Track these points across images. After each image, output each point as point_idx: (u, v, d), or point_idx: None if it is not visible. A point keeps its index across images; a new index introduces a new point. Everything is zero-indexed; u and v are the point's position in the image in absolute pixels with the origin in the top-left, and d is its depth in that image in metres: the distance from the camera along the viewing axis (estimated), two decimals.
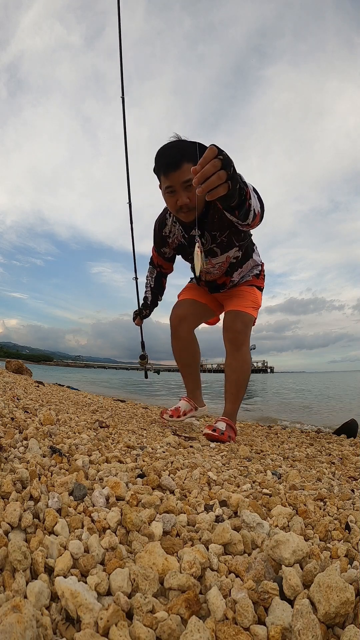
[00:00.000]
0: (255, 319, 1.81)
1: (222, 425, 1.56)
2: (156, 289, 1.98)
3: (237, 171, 0.99)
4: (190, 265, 1.82)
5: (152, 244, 1.83)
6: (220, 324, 1.84)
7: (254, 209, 1.17)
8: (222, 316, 1.87)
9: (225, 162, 0.92)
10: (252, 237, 1.70)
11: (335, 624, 0.40)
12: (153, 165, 1.44)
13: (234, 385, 1.70)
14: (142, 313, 2.02)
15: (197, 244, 1.06)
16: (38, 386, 3.25)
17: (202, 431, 1.86)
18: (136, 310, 2.05)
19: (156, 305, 2.04)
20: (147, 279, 1.99)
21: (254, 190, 1.18)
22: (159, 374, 2.34)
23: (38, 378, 4.88)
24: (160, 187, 1.47)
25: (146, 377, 2.34)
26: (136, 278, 2.20)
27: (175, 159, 1.35)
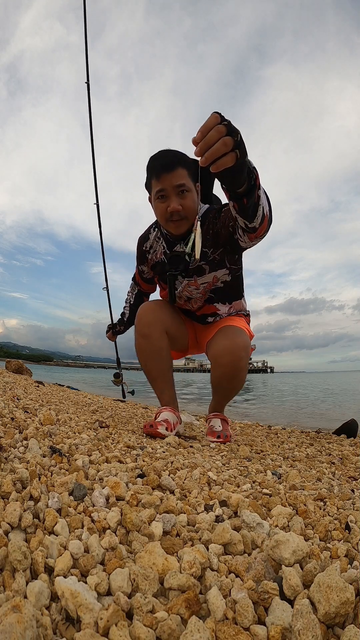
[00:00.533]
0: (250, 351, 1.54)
1: (218, 423, 1.55)
2: (135, 307, 1.77)
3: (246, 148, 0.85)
4: (167, 290, 1.51)
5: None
6: None
7: (262, 207, 1.04)
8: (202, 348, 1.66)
9: (230, 128, 0.80)
10: (242, 277, 1.51)
11: (335, 624, 0.40)
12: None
13: (224, 397, 1.61)
14: (116, 328, 1.90)
15: (197, 224, 1.00)
16: (38, 386, 3.25)
17: (202, 431, 1.86)
18: (110, 324, 1.94)
19: (132, 323, 1.74)
20: (127, 295, 1.84)
21: (263, 189, 1.04)
22: (133, 394, 2.24)
23: (38, 378, 4.89)
24: (150, 199, 1.37)
25: (124, 396, 2.25)
26: (107, 288, 2.13)
27: (169, 161, 1.27)
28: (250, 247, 1.28)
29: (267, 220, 1.11)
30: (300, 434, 2.22)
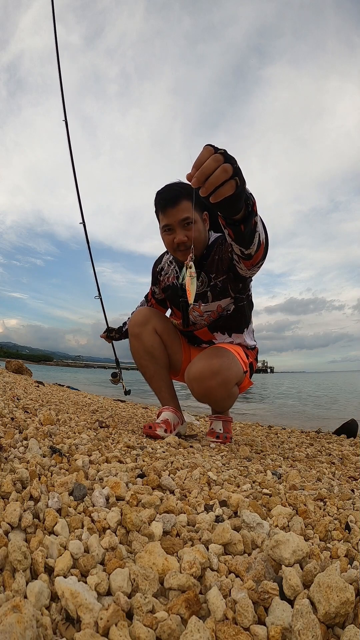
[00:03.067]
0: (247, 379, 1.51)
1: (219, 425, 1.55)
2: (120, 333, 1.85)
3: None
4: (181, 314, 1.50)
5: (149, 252, 1.74)
6: None
7: (259, 234, 1.02)
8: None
9: (227, 156, 0.78)
10: (249, 310, 1.50)
11: (335, 624, 0.40)
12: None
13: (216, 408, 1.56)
14: (112, 333, 1.91)
15: (189, 269, 0.99)
16: (38, 386, 3.25)
17: (202, 431, 1.86)
18: (108, 328, 1.95)
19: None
20: (136, 308, 1.82)
21: (260, 217, 1.02)
22: (129, 394, 2.26)
23: (38, 378, 4.89)
24: (160, 228, 1.39)
25: (127, 393, 2.25)
26: (99, 297, 2.13)
27: (173, 195, 1.30)
28: (250, 276, 1.27)
29: (264, 248, 1.10)
30: (300, 434, 2.22)
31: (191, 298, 1.01)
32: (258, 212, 0.97)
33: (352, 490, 0.91)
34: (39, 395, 2.29)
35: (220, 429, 1.54)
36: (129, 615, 0.40)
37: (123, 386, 2.21)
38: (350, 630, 0.38)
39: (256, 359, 1.64)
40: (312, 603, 0.41)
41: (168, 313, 1.72)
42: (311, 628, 0.37)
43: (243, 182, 0.83)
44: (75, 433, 1.12)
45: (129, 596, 0.42)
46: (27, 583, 0.40)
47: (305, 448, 1.66)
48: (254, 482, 0.88)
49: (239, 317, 1.47)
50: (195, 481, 0.82)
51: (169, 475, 0.82)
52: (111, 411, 2.19)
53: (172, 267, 1.52)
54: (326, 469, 1.20)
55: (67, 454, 0.84)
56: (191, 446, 1.28)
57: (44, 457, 0.78)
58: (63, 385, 4.84)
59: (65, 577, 0.42)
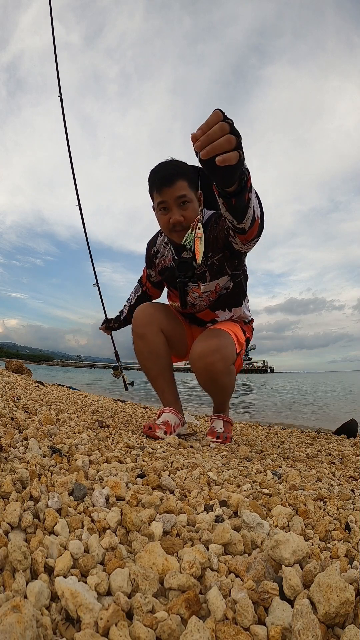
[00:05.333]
0: (239, 357, 1.53)
1: (220, 425, 1.56)
2: (134, 308, 1.74)
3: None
4: (179, 295, 1.50)
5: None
6: None
7: (253, 210, 1.02)
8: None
9: (233, 128, 0.78)
10: (245, 282, 1.52)
11: (335, 624, 0.40)
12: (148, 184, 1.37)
13: (217, 398, 1.59)
14: (110, 323, 1.89)
15: (197, 230, 1.02)
16: (38, 386, 3.25)
17: (202, 431, 1.86)
18: (105, 319, 1.93)
19: (128, 323, 1.80)
20: (130, 295, 1.83)
21: (256, 193, 1.02)
22: (132, 385, 2.25)
23: (38, 378, 4.89)
24: (153, 208, 1.39)
25: (126, 389, 2.24)
26: (97, 284, 2.13)
27: (169, 174, 1.29)
28: (245, 252, 1.28)
29: (258, 225, 1.09)
30: (300, 434, 2.22)
31: (199, 257, 1.03)
32: (253, 187, 0.98)
33: (352, 490, 0.91)
34: (39, 395, 2.29)
35: (221, 429, 1.54)
36: (129, 615, 0.40)
37: (124, 380, 2.21)
38: (350, 630, 0.38)
39: (252, 332, 1.67)
40: (312, 603, 0.41)
41: (164, 294, 1.72)
42: (311, 628, 0.37)
43: (243, 157, 0.84)
44: (75, 433, 1.12)
45: (129, 596, 0.42)
46: (27, 583, 0.40)
47: (305, 448, 1.66)
48: (254, 482, 0.88)
49: (237, 292, 1.50)
50: (195, 481, 0.82)
51: (169, 475, 0.82)
52: (111, 411, 2.19)
53: (168, 248, 1.50)
54: (326, 469, 1.20)
55: (67, 454, 0.84)
56: (191, 446, 1.28)
57: (44, 457, 0.78)
58: (63, 385, 4.84)
59: (65, 577, 0.42)
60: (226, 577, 0.47)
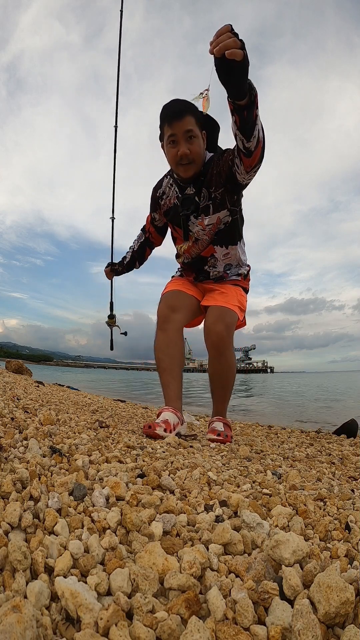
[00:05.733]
0: (243, 321, 1.75)
1: (220, 426, 1.58)
2: (137, 254, 1.91)
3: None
4: (182, 229, 1.65)
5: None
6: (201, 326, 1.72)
7: (259, 130, 1.19)
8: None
9: (237, 36, 0.98)
10: (241, 224, 1.65)
11: (335, 624, 0.40)
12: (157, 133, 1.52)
13: (220, 389, 1.67)
14: (115, 266, 1.96)
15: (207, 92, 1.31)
16: (38, 386, 3.25)
17: (202, 431, 1.86)
18: (110, 262, 2.00)
19: (131, 269, 1.98)
20: (133, 242, 1.93)
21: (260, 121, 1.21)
22: (126, 334, 2.30)
23: (38, 378, 4.89)
24: (162, 143, 1.51)
25: (112, 347, 2.26)
26: (113, 218, 2.18)
27: (179, 109, 1.42)
28: (246, 183, 1.43)
29: (261, 148, 1.25)
30: (300, 434, 2.23)
31: (206, 109, 1.24)
32: (259, 109, 1.16)
33: (352, 490, 0.91)
34: (39, 395, 2.29)
35: (222, 428, 1.56)
36: (129, 615, 0.40)
37: (119, 329, 2.21)
38: (350, 631, 0.38)
39: (250, 279, 1.81)
40: (312, 603, 0.41)
41: (170, 248, 1.85)
42: (311, 628, 0.37)
43: (248, 62, 1.01)
44: (75, 433, 1.12)
45: (129, 596, 0.42)
46: (27, 583, 0.40)
47: (305, 448, 1.66)
48: (254, 482, 0.88)
49: (233, 229, 1.62)
50: (195, 481, 0.82)
51: (169, 475, 0.82)
52: (111, 411, 2.19)
53: (173, 188, 1.62)
54: (326, 469, 1.20)
55: (67, 454, 0.84)
56: (191, 446, 1.28)
57: (44, 457, 0.78)
58: (63, 385, 4.84)
59: (65, 577, 0.42)
60: (226, 577, 0.47)
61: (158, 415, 1.49)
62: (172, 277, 1.90)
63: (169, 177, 1.65)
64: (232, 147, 1.37)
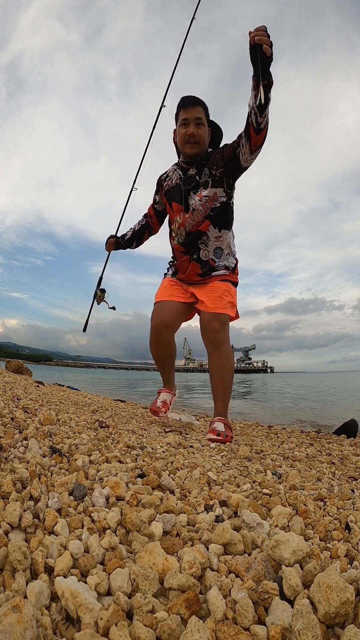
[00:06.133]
0: (236, 315, 1.88)
1: (220, 426, 1.59)
2: (137, 235, 2.09)
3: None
4: (183, 202, 1.81)
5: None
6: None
7: (268, 111, 1.43)
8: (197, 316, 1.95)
9: (270, 39, 1.30)
10: (232, 211, 1.81)
11: (335, 624, 0.40)
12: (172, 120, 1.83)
13: (221, 383, 1.73)
14: (118, 239, 2.09)
15: None
16: (38, 386, 3.25)
17: (202, 431, 1.86)
18: (115, 235, 2.10)
19: (130, 246, 2.13)
20: (135, 224, 2.10)
21: None
22: (114, 309, 2.31)
23: (38, 378, 4.88)
24: (175, 132, 1.80)
25: (114, 308, 2.28)
26: (134, 188, 2.25)
27: (194, 100, 1.75)
28: (246, 166, 1.62)
29: (266, 131, 1.48)
30: (300, 434, 2.22)
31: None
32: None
33: (352, 490, 0.91)
34: (39, 395, 2.29)
35: (222, 428, 1.57)
36: (129, 615, 0.40)
37: (107, 304, 2.21)
38: (350, 631, 0.38)
39: (238, 272, 1.94)
40: (312, 603, 0.41)
41: (164, 226, 2.02)
42: (311, 628, 0.37)
43: (273, 56, 1.33)
44: (75, 433, 1.12)
45: (129, 596, 0.42)
46: (27, 583, 0.40)
47: (305, 448, 1.66)
48: (254, 482, 0.88)
49: (227, 212, 1.78)
50: (195, 481, 0.82)
51: (169, 475, 0.82)
52: (111, 411, 2.19)
53: (176, 172, 1.84)
54: (326, 469, 1.20)
55: (67, 454, 0.84)
56: (191, 446, 1.28)
57: (44, 457, 0.78)
58: (63, 385, 4.84)
59: (65, 577, 0.42)
60: (226, 577, 0.47)
61: (158, 395, 2.00)
62: (165, 275, 2.02)
63: (174, 165, 1.89)
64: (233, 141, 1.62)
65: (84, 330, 2.37)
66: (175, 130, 1.81)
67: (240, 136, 1.55)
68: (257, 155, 1.57)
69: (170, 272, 1.97)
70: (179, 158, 1.88)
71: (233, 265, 1.87)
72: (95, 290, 2.17)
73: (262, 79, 1.34)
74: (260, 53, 1.31)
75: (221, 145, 1.78)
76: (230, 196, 1.75)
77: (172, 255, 1.98)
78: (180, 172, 1.82)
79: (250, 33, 1.30)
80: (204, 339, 1.75)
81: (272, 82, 1.37)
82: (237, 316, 1.89)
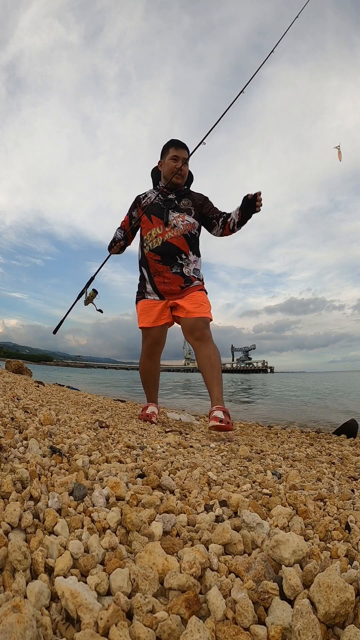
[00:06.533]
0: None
1: (220, 414, 1.68)
2: (124, 243, 2.25)
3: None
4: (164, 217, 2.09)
5: None
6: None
7: (236, 232, 2.07)
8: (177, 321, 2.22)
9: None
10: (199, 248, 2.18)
11: (335, 624, 0.40)
12: (159, 154, 2.18)
13: (214, 369, 1.91)
14: (122, 242, 2.22)
15: None
16: (38, 386, 3.24)
17: (202, 431, 1.86)
18: (119, 239, 2.21)
19: (126, 239, 2.28)
20: (113, 238, 2.24)
21: None
22: (102, 312, 2.35)
23: (38, 378, 4.88)
24: (161, 162, 2.15)
25: (101, 311, 2.28)
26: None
27: (183, 144, 2.12)
28: (214, 236, 2.17)
29: (228, 234, 2.10)
30: (300, 434, 2.22)
31: (340, 158, 2.19)
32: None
33: (352, 490, 0.91)
34: (39, 395, 2.28)
35: (222, 416, 1.67)
36: (129, 615, 0.40)
37: (95, 306, 2.21)
38: (350, 631, 0.38)
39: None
40: (312, 603, 0.41)
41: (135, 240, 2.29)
42: (311, 628, 0.37)
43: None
44: (75, 433, 1.12)
45: (129, 596, 0.42)
46: (27, 583, 0.40)
47: (305, 448, 1.66)
48: (254, 482, 0.88)
49: (198, 242, 2.16)
50: (195, 481, 0.82)
51: (169, 475, 0.82)
52: (111, 411, 2.19)
53: (156, 194, 2.12)
54: (326, 469, 1.19)
55: (67, 454, 0.84)
56: (191, 446, 1.28)
57: (44, 457, 0.78)
58: (63, 385, 4.84)
59: (65, 577, 0.42)
60: (226, 577, 0.47)
61: (146, 408, 2.12)
62: (137, 300, 2.21)
63: (152, 190, 2.22)
64: (214, 205, 2.13)
65: (55, 332, 2.38)
66: (161, 161, 2.16)
67: (221, 216, 2.05)
68: (222, 236, 2.13)
69: (152, 294, 2.14)
70: (155, 184, 2.25)
71: (202, 279, 2.21)
72: (84, 290, 2.16)
73: (247, 217, 1.93)
74: (255, 211, 1.88)
75: (201, 194, 2.18)
76: (199, 232, 2.17)
77: (142, 274, 2.18)
78: (160, 196, 2.11)
79: (251, 196, 1.83)
80: (191, 337, 2.03)
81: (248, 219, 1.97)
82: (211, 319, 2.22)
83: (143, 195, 2.19)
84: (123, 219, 2.24)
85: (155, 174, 2.24)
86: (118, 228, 2.26)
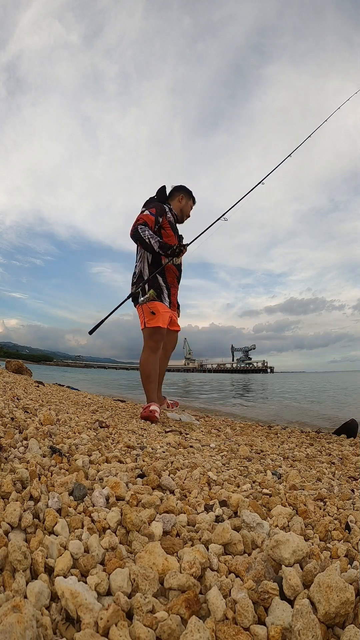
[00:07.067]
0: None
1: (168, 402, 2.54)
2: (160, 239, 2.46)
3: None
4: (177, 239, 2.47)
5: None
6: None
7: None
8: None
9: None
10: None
11: (335, 624, 0.40)
12: (184, 188, 2.61)
13: (162, 376, 2.56)
14: (181, 248, 2.45)
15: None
16: (38, 386, 3.24)
17: (202, 431, 1.85)
18: (178, 248, 2.42)
19: (171, 246, 2.57)
20: (146, 237, 2.32)
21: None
22: (154, 315, 2.66)
23: (38, 378, 4.88)
24: (183, 199, 2.55)
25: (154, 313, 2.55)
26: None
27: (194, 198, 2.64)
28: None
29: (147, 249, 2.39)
30: (300, 434, 2.22)
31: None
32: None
33: (352, 490, 0.91)
34: (39, 395, 2.28)
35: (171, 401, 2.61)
36: (129, 615, 0.40)
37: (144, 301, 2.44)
38: (350, 631, 0.38)
39: None
40: (312, 603, 0.41)
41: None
42: (311, 628, 0.37)
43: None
44: (75, 433, 1.12)
45: (129, 596, 0.42)
46: (27, 583, 0.40)
47: (305, 448, 1.66)
48: (254, 482, 0.88)
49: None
50: (195, 481, 0.82)
51: (169, 475, 0.82)
52: (111, 411, 2.19)
53: (172, 218, 2.44)
54: (326, 469, 1.19)
55: (67, 454, 0.84)
56: (191, 446, 1.28)
57: (44, 457, 0.78)
58: (63, 385, 4.83)
59: (65, 577, 0.42)
60: (226, 577, 0.47)
61: (148, 407, 2.16)
62: (162, 299, 2.40)
63: (165, 206, 2.48)
64: None
65: (91, 332, 2.55)
66: (183, 198, 2.55)
67: None
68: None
69: (166, 300, 2.40)
70: (160, 200, 2.52)
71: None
72: (136, 290, 2.39)
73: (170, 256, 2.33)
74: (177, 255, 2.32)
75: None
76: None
77: (155, 277, 2.37)
78: (174, 221, 2.48)
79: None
80: (170, 346, 2.59)
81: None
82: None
83: (168, 209, 2.46)
84: (144, 215, 2.34)
85: (161, 192, 2.55)
86: (141, 224, 2.34)
